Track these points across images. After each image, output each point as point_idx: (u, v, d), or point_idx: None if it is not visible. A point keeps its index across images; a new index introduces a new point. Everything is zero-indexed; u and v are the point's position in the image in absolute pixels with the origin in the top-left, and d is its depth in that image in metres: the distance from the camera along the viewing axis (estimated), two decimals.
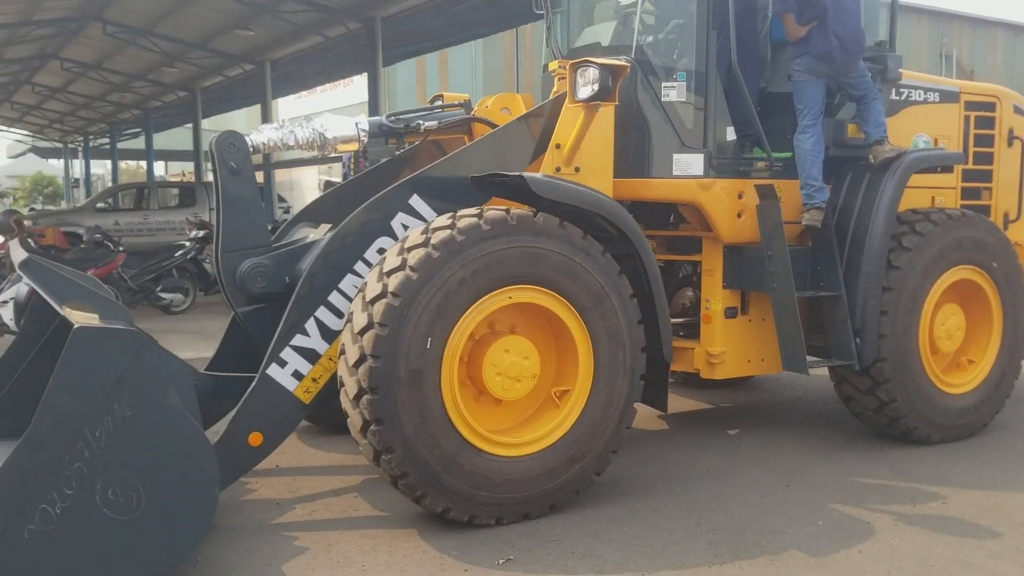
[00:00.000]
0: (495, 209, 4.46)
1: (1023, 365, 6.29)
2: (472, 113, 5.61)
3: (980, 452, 5.74)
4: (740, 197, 5.57)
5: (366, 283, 4.33)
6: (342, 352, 4.30)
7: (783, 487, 5.06)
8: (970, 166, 6.59)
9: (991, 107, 6.74)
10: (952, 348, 6.02)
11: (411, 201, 4.85)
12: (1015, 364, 6.20)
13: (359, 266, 4.69)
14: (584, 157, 5.15)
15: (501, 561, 4.02)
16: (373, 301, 4.18)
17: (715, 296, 5.75)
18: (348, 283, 4.65)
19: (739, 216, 5.58)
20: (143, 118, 30.44)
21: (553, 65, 5.92)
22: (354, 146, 5.25)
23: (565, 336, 4.63)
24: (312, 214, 5.67)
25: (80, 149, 41.81)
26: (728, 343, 5.76)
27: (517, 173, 4.60)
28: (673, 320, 5.81)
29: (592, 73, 4.77)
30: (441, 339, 4.21)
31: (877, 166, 5.71)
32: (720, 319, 5.74)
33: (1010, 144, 6.85)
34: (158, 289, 11.98)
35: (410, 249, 4.27)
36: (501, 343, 4.47)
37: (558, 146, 5.09)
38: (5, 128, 38.77)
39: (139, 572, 3.55)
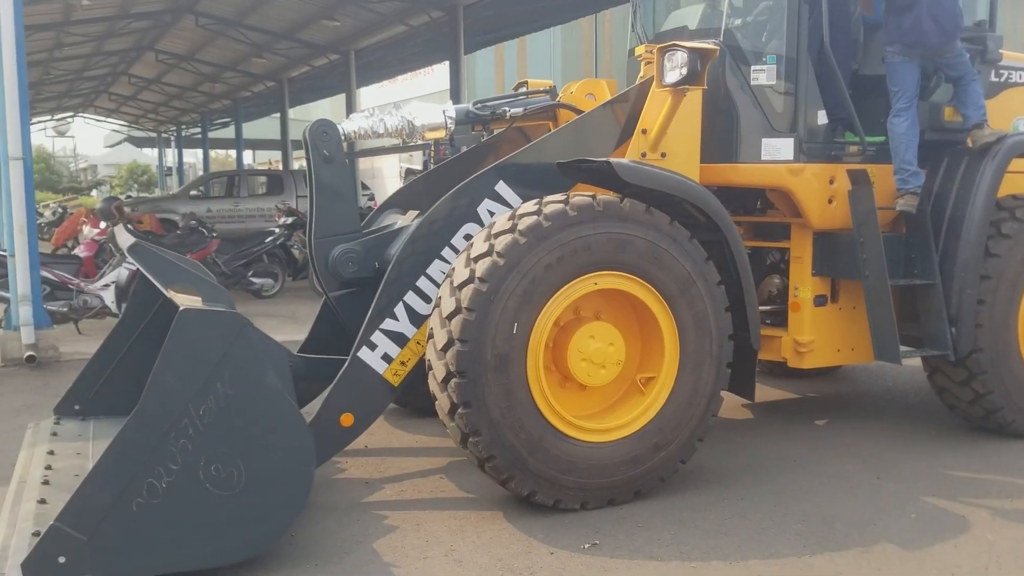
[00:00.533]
0: (581, 195, 4.47)
1: None
2: (557, 99, 5.60)
3: None
4: (831, 182, 5.45)
5: (454, 268, 4.39)
6: (430, 336, 4.37)
7: (873, 479, 4.96)
8: None
9: None
10: None
11: (497, 188, 4.89)
12: None
13: (446, 252, 4.76)
14: (671, 142, 5.12)
15: (587, 546, 4.05)
16: (461, 286, 4.24)
17: (804, 284, 5.65)
18: (435, 268, 4.73)
19: (830, 202, 5.46)
20: (233, 108, 31.25)
21: (640, 50, 5.87)
22: (441, 133, 5.32)
23: (650, 323, 4.62)
24: (400, 201, 5.77)
25: (173, 138, 43.19)
26: (817, 332, 5.65)
27: (603, 159, 4.59)
28: (761, 308, 5.74)
29: (680, 57, 4.73)
30: (527, 324, 4.25)
31: (976, 151, 5.52)
32: (809, 307, 5.64)
33: None
34: (249, 274, 12.32)
35: (497, 235, 4.31)
36: (586, 329, 4.49)
37: (644, 131, 5.06)
38: (103, 118, 40.32)
39: (239, 546, 3.69)
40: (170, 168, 47.55)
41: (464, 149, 5.60)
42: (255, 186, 20.48)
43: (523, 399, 4.25)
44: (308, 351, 5.39)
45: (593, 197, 4.45)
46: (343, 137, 5.08)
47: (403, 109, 5.22)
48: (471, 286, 4.20)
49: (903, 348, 5.46)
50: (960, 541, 4.11)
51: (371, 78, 25.70)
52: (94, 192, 53.45)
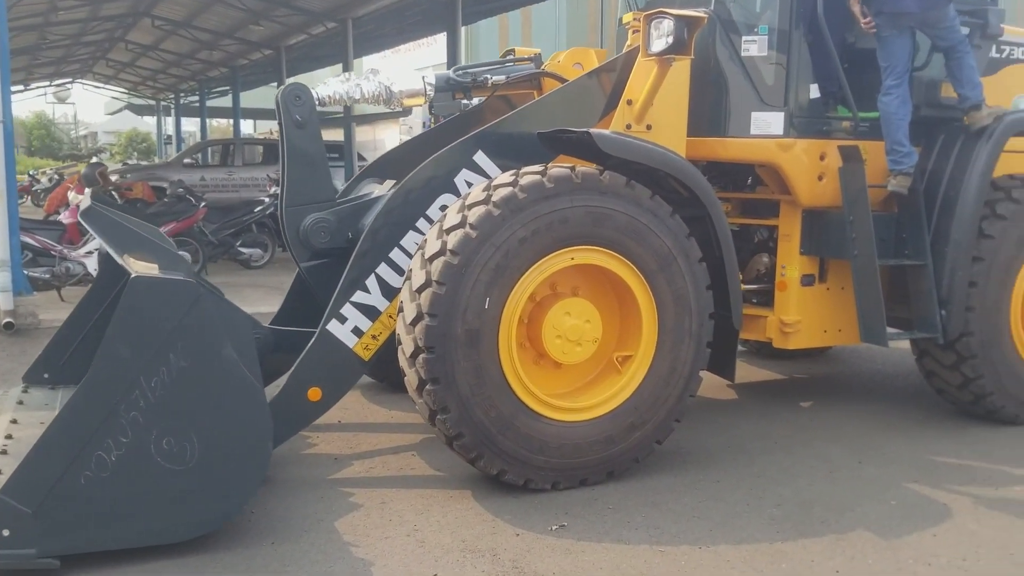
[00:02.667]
0: (559, 166, 4.32)
1: None
2: (543, 68, 5.43)
3: None
4: (822, 159, 5.29)
5: (426, 240, 4.25)
6: (401, 309, 4.24)
7: (855, 463, 4.84)
8: None
9: None
10: None
11: (475, 157, 4.74)
12: None
13: (421, 223, 4.61)
14: (657, 114, 4.96)
15: (555, 527, 3.93)
16: (432, 258, 4.10)
17: (792, 262, 5.50)
18: (410, 240, 4.58)
19: (820, 179, 5.31)
20: (231, 76, 30.91)
21: (627, 17, 5.70)
22: (421, 101, 5.16)
23: (629, 300, 4.48)
24: (379, 169, 5.61)
25: (172, 106, 42.85)
26: (803, 312, 5.52)
27: (584, 129, 4.43)
28: (747, 287, 5.63)
29: (667, 25, 4.56)
30: (500, 299, 4.11)
31: (975, 133, 5.34)
32: (796, 287, 5.50)
33: None
34: (238, 244, 12.17)
35: (471, 206, 4.16)
36: (562, 305, 4.35)
37: (630, 102, 4.91)
38: (101, 85, 39.95)
39: (192, 523, 3.58)
40: (170, 136, 47.24)
41: (443, 118, 5.43)
42: (252, 155, 20.29)
43: (494, 376, 4.12)
44: (280, 322, 5.26)
45: (572, 169, 4.30)
46: (317, 102, 4.92)
47: (381, 75, 5.06)
48: (442, 259, 4.06)
49: (891, 330, 5.33)
50: (940, 529, 3.99)
51: (370, 47, 25.39)
52: (94, 159, 53.23)
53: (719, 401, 6.05)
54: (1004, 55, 5.91)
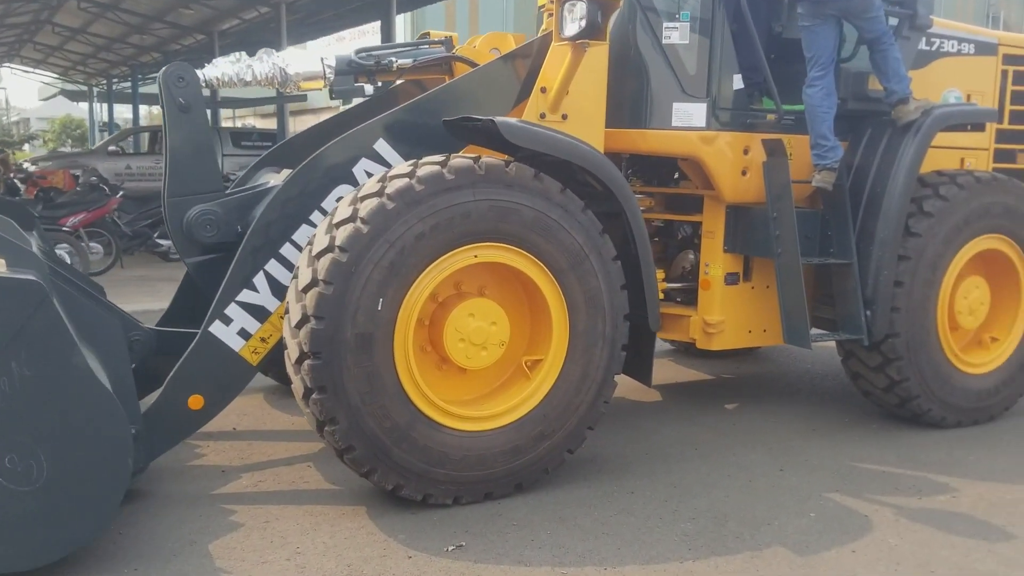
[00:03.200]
0: (462, 157, 4.01)
1: None
2: (454, 52, 5.11)
3: (999, 440, 5.26)
4: (746, 152, 5.07)
5: (315, 235, 3.91)
6: (287, 311, 3.90)
7: (776, 471, 4.63)
8: (1005, 126, 6.01)
9: None
10: (974, 324, 5.52)
11: (376, 146, 4.41)
12: None
13: (315, 216, 4.27)
14: (573, 103, 4.69)
15: (451, 548, 3.64)
16: (319, 255, 3.76)
17: (715, 260, 5.28)
18: (303, 234, 4.24)
19: (744, 173, 5.08)
20: (163, 62, 29.94)
21: (543, 0, 5.41)
22: (319, 84, 4.80)
23: (539, 300, 4.20)
24: (279, 158, 5.24)
25: (105, 92, 41.54)
26: (727, 312, 5.30)
27: (489, 117, 4.12)
28: (671, 285, 5.40)
29: (580, 8, 4.25)
30: (395, 300, 3.79)
31: (902, 127, 5.16)
32: (720, 285, 5.28)
33: None
34: (155, 235, 11.64)
35: (363, 199, 3.84)
36: (465, 306, 4.04)
37: (543, 90, 4.62)
38: (30, 69, 38.53)
39: (42, 548, 3.21)
40: (106, 123, 45.81)
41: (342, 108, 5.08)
42: None
43: (388, 384, 3.80)
44: (168, 322, 4.88)
45: (475, 159, 3.99)
46: (204, 84, 4.53)
47: (275, 55, 4.69)
48: (330, 255, 3.72)
49: (816, 331, 5.15)
50: (859, 545, 3.79)
51: (306, 35, 24.75)
52: (26, 146, 51.43)
53: (641, 404, 5.81)
54: (934, 48, 5.74)
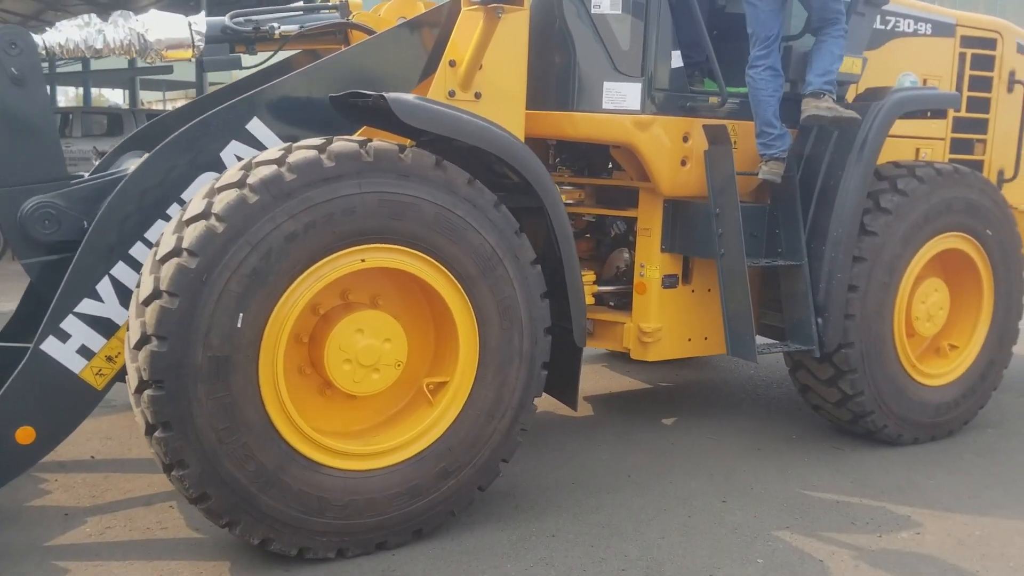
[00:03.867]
0: (346, 140, 3.33)
1: (1013, 352, 5.29)
2: (350, 18, 4.40)
3: (960, 457, 4.77)
4: (685, 140, 4.48)
5: (161, 235, 3.19)
6: (127, 328, 3.18)
7: (718, 503, 4.05)
8: (963, 113, 5.53)
9: (991, 44, 5.66)
10: (932, 331, 5.02)
11: (249, 126, 3.70)
12: (1005, 351, 5.21)
13: (174, 210, 3.55)
14: (488, 81, 4.05)
15: None
16: (164, 260, 3.05)
17: (652, 261, 4.69)
18: (157, 232, 3.50)
19: (683, 164, 4.49)
20: None
21: None
22: (187, 54, 4.06)
23: (444, 312, 3.54)
24: (144, 140, 4.47)
25: None
26: (665, 318, 4.73)
27: (379, 93, 3.44)
28: (603, 288, 4.79)
29: None
30: (260, 315, 3.10)
31: (802, 124, 4.56)
32: (656, 289, 4.69)
33: (1010, 89, 5.78)
34: None
35: (221, 190, 3.13)
36: (352, 320, 3.36)
37: (453, 63, 3.96)
38: None
39: None
40: None
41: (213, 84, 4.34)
42: (90, 126, 18.42)
43: (252, 417, 3.12)
44: (9, 333, 4.10)
45: (362, 143, 3.31)
46: (43, 52, 3.77)
47: (132, 19, 3.94)
48: (175, 261, 3.01)
49: (762, 341, 4.59)
50: None
51: (227, 7, 23.57)
52: None
53: (568, 420, 5.19)
54: (889, 27, 5.22)
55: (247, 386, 3.09)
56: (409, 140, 3.82)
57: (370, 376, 3.40)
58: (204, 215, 3.06)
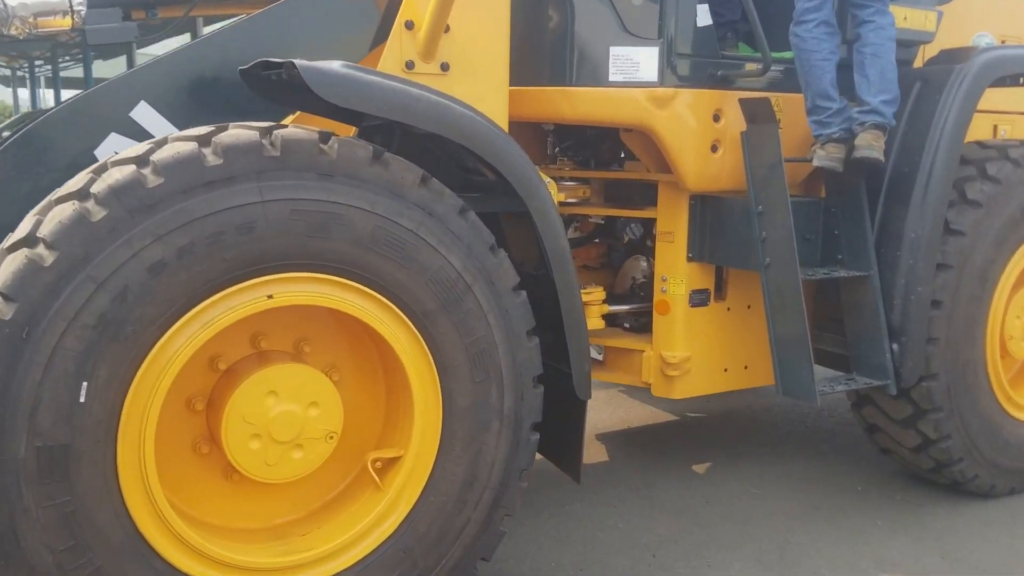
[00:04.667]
0: (243, 127, 2.36)
1: None
2: None
3: None
4: (716, 119, 3.50)
5: None
6: None
7: None
8: None
9: None
10: None
11: (134, 113, 2.76)
12: None
13: None
14: (458, 48, 3.10)
15: None
16: None
17: (675, 273, 3.72)
18: None
19: (714, 149, 3.52)
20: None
21: None
22: (65, 23, 3.12)
23: (394, 362, 2.58)
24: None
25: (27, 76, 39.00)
26: (694, 345, 3.77)
27: (290, 60, 2.48)
28: (615, 308, 3.83)
29: None
30: (116, 381, 2.15)
31: (852, 166, 3.48)
32: (682, 308, 3.73)
33: None
34: None
35: (56, 203, 2.18)
36: (259, 380, 2.41)
37: (410, 25, 2.99)
38: None
39: None
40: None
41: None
42: None
43: (108, 530, 2.17)
44: None
45: (266, 131, 2.35)
46: None
47: None
48: None
49: (822, 375, 3.59)
50: None
51: None
52: None
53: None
54: None
55: (100, 485, 2.14)
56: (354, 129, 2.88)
57: (289, 455, 2.45)
58: (27, 241, 2.11)
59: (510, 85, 3.27)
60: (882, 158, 3.45)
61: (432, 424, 2.57)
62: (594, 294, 3.71)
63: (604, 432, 4.75)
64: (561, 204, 3.75)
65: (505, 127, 3.12)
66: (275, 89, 2.77)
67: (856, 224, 3.61)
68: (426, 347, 2.53)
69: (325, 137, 2.40)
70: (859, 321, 3.64)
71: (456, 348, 2.55)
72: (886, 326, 3.56)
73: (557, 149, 4.15)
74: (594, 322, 3.67)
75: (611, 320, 3.92)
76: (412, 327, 2.50)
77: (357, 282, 2.42)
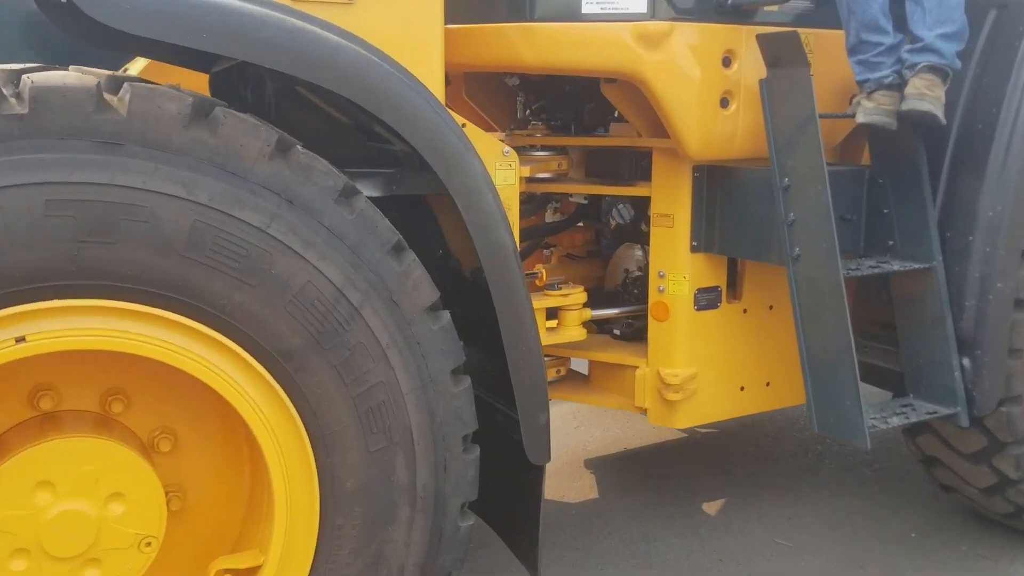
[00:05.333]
0: None
1: None
2: None
3: None
4: (727, 63, 2.65)
5: None
6: None
7: None
8: None
9: None
10: None
11: None
12: None
13: None
14: None
15: None
16: None
17: (676, 267, 2.88)
18: None
19: (724, 104, 2.66)
20: None
21: None
22: None
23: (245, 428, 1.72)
24: None
25: None
26: (701, 358, 2.93)
27: None
28: (600, 313, 2.99)
29: None
30: None
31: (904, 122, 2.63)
32: (686, 311, 2.90)
33: None
34: None
35: None
36: (23, 463, 1.55)
37: None
38: None
39: None
40: None
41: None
42: None
43: None
44: None
45: (10, 79, 1.48)
46: None
47: None
48: None
49: (872, 398, 2.72)
50: None
51: None
52: None
53: (554, 511, 3.36)
54: None
55: None
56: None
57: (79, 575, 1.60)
58: None
59: (449, 22, 2.40)
60: (938, 112, 2.58)
61: (304, 518, 1.72)
62: (572, 296, 2.87)
63: (594, 457, 3.89)
64: (529, 180, 2.93)
65: (441, 78, 2.27)
66: (74, 19, 1.90)
67: (913, 200, 2.73)
68: (290, 405, 1.67)
69: (114, 84, 1.53)
70: (917, 328, 2.77)
71: (338, 404, 1.69)
72: (954, 335, 2.69)
73: (529, 112, 3.29)
74: (572, 332, 2.87)
75: (598, 325, 3.09)
76: (266, 375, 1.64)
77: (170, 310, 1.56)
